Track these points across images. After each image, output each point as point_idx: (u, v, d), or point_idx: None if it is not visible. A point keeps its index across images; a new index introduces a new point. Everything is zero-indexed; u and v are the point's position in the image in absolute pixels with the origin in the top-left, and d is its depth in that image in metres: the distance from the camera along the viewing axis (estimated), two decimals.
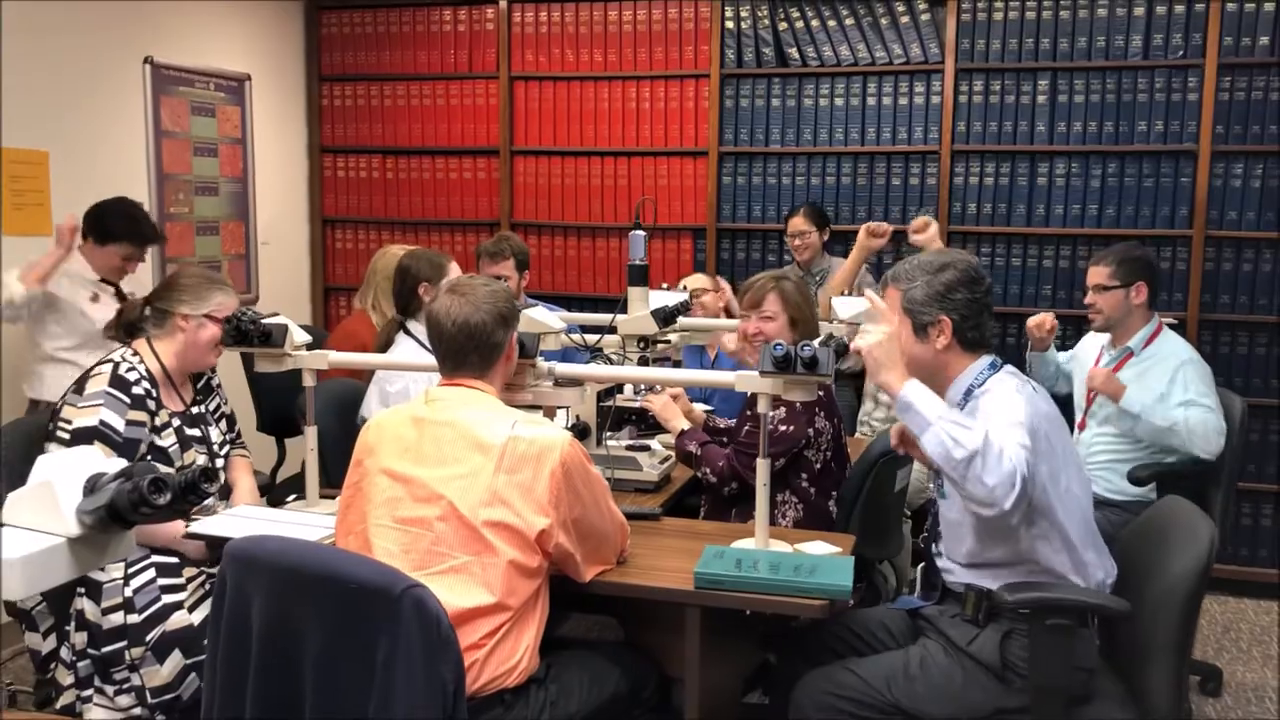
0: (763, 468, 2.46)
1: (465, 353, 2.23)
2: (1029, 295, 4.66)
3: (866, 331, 2.20)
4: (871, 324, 2.23)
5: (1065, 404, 3.76)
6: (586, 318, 4.04)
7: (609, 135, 5.10)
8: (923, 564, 2.56)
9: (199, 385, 2.88)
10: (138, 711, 2.49)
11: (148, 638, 2.53)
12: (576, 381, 2.59)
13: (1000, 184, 4.67)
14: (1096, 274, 3.46)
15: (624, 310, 3.13)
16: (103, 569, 2.55)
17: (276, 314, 2.84)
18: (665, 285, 3.76)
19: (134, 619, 2.54)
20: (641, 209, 3.15)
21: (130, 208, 3.66)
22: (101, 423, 2.56)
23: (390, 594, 1.79)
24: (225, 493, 2.89)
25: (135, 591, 2.56)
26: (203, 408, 2.85)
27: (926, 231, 4.04)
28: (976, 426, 2.07)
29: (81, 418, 2.57)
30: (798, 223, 4.52)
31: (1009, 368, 2.38)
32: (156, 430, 2.65)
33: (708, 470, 2.94)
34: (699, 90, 4.97)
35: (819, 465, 2.87)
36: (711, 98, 4.93)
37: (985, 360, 2.37)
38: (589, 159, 5.13)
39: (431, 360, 2.35)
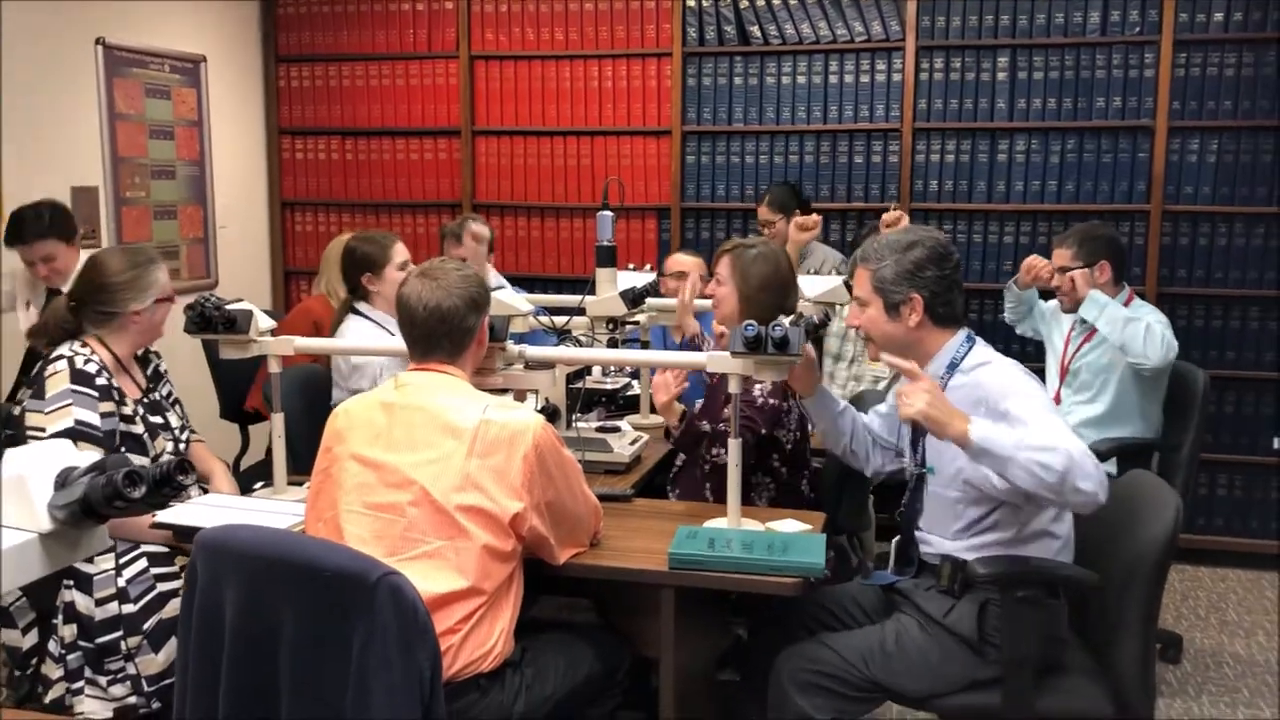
0: (734, 448, 2.47)
1: (436, 338, 2.21)
2: (990, 271, 4.70)
3: (908, 396, 2.15)
4: (908, 385, 2.18)
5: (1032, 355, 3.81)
6: (553, 299, 4.04)
7: (571, 115, 5.07)
8: (897, 539, 2.58)
9: (148, 372, 2.83)
10: (133, 700, 2.47)
11: (144, 626, 2.52)
12: (547, 364, 2.58)
13: (961, 161, 4.70)
14: (1059, 256, 3.51)
15: (592, 291, 3.12)
16: (91, 561, 2.52)
17: (240, 300, 2.81)
18: (632, 265, 3.74)
19: (129, 609, 2.52)
20: (608, 190, 3.12)
21: (22, 210, 3.58)
22: (78, 422, 2.51)
23: (365, 581, 1.78)
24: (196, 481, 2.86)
25: (129, 581, 2.54)
26: (158, 394, 2.81)
27: (898, 226, 4.01)
28: (1051, 441, 2.06)
29: (54, 422, 2.51)
30: (763, 212, 4.48)
31: (981, 342, 2.41)
32: (127, 419, 2.61)
33: (719, 458, 2.75)
34: (661, 69, 4.95)
35: (790, 445, 2.88)
36: (674, 76, 4.91)
37: (961, 335, 2.39)
38: (551, 139, 5.10)
39: (396, 344, 2.33)
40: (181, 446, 2.79)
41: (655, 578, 2.30)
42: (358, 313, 3.32)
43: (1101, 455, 3.32)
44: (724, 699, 2.90)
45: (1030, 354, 4.14)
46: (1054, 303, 3.74)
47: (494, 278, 3.80)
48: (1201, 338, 4.51)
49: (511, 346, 2.55)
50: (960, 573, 2.30)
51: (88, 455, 1.28)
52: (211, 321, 2.60)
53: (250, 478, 3.81)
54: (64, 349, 2.62)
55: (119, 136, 4.38)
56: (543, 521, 2.16)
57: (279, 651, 1.85)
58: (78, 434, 2.49)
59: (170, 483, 1.23)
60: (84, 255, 3.59)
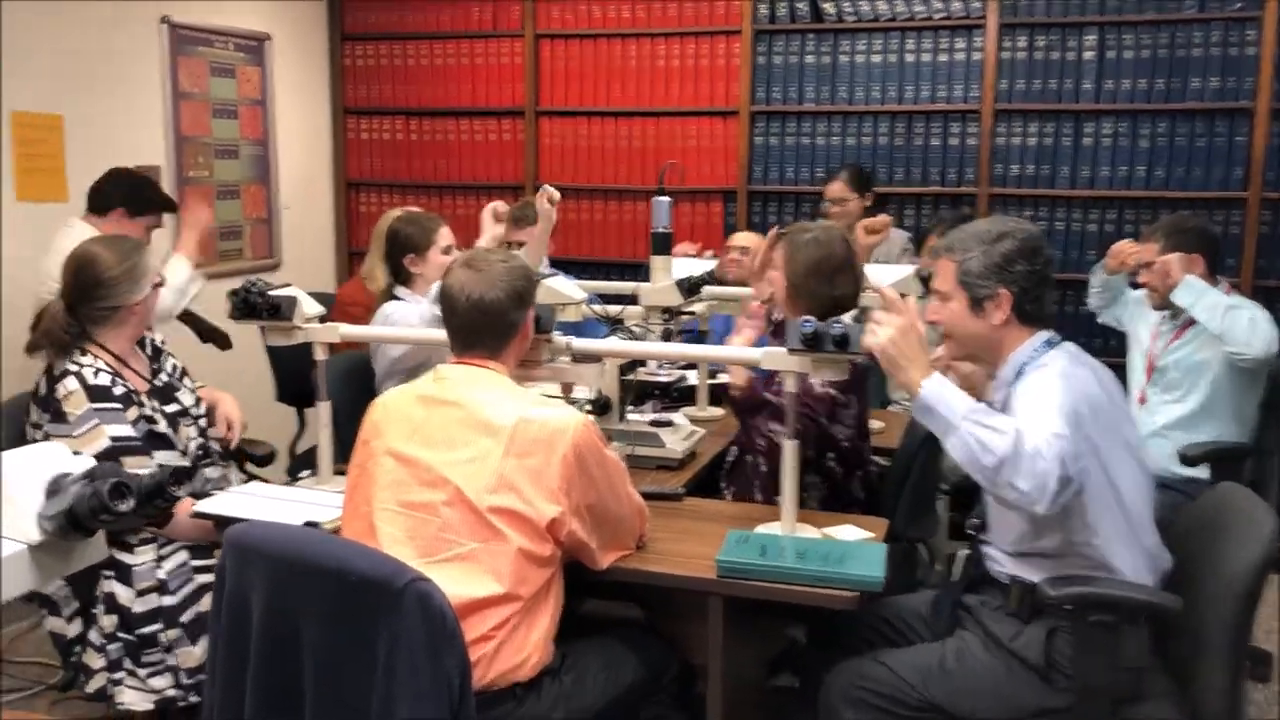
0: (790, 450, 2.34)
1: (478, 331, 2.12)
2: (1072, 260, 4.48)
3: (877, 326, 2.03)
4: (883, 316, 2.04)
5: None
6: (607, 286, 3.94)
7: (637, 94, 4.94)
8: (967, 550, 2.44)
9: (148, 353, 2.73)
10: (172, 693, 2.43)
11: (183, 619, 2.47)
12: (595, 357, 2.47)
13: (1044, 144, 4.48)
14: (1147, 251, 3.29)
15: (647, 279, 3.00)
16: (132, 551, 2.49)
17: (288, 284, 2.75)
18: (692, 251, 3.62)
19: (169, 600, 2.47)
20: (665, 174, 2.99)
21: (141, 175, 3.57)
22: (114, 439, 2.44)
23: (392, 587, 1.69)
24: (229, 454, 2.81)
25: (169, 574, 2.50)
26: (164, 376, 2.72)
27: (877, 235, 3.77)
28: (1005, 425, 1.92)
29: (89, 445, 2.41)
30: (837, 188, 4.32)
31: (1067, 346, 2.23)
32: (149, 419, 2.56)
33: (775, 435, 2.62)
34: (730, 47, 4.79)
35: (846, 443, 2.73)
36: (743, 55, 4.75)
37: (1041, 336, 2.21)
38: (616, 120, 4.98)
39: (440, 333, 2.25)
40: (203, 423, 2.73)
41: (703, 585, 2.19)
42: (396, 297, 3.23)
43: (1192, 460, 3.15)
44: (779, 706, 2.79)
45: (1113, 348, 3.93)
46: (1142, 293, 3.52)
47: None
48: None
49: (558, 338, 2.45)
50: (1030, 596, 2.15)
51: (81, 461, 1.21)
52: (255, 308, 2.54)
53: (304, 464, 3.78)
54: (66, 363, 2.50)
55: (182, 115, 4.37)
56: (583, 525, 2.06)
57: (304, 653, 1.77)
58: (119, 451, 2.43)
59: (162, 494, 1.15)
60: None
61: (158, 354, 2.75)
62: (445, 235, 3.27)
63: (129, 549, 2.50)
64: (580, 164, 5.06)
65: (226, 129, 4.63)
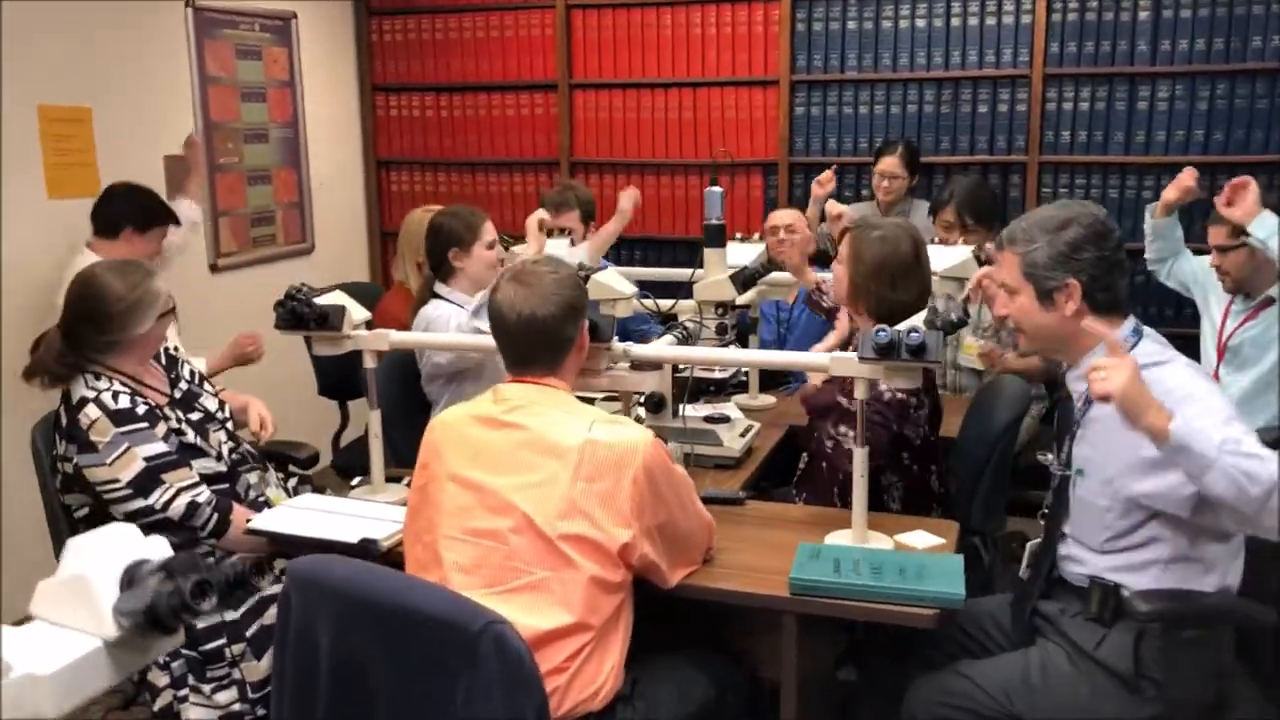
0: (860, 458, 2.26)
1: (533, 349, 2.05)
2: (1126, 229, 4.32)
3: (1102, 371, 1.87)
4: (1108, 361, 1.89)
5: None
6: (659, 274, 3.85)
7: (673, 65, 4.81)
8: (1035, 542, 2.35)
9: (162, 363, 2.65)
10: (238, 707, 2.39)
11: (247, 633, 2.42)
12: (655, 364, 2.39)
13: (1097, 109, 4.33)
14: (1217, 234, 3.16)
15: (701, 268, 2.91)
16: None
17: (334, 289, 2.68)
18: (739, 236, 3.51)
19: (231, 615, 2.42)
20: (716, 165, 2.89)
21: (142, 190, 3.47)
22: (148, 460, 2.37)
23: (468, 631, 1.64)
24: (262, 460, 2.76)
25: None
26: (183, 385, 2.64)
27: (839, 222, 3.54)
28: (1258, 449, 1.81)
29: (124, 471, 2.35)
30: (891, 164, 4.22)
31: (1151, 333, 2.13)
32: (178, 431, 2.49)
33: (844, 439, 2.56)
34: (768, 14, 4.65)
35: (919, 441, 2.64)
36: (782, 21, 4.61)
37: (1127, 326, 2.12)
38: (652, 91, 4.85)
39: (486, 339, 2.16)
40: (230, 427, 2.67)
41: (776, 604, 2.12)
42: (436, 295, 3.15)
43: (1267, 445, 3.02)
44: (841, 701, 2.73)
45: (1185, 316, 3.81)
46: (1208, 262, 3.38)
47: (579, 253, 3.57)
48: None
49: (617, 345, 2.37)
50: (1112, 599, 2.07)
51: (154, 542, 1.14)
52: (303, 319, 2.47)
53: (349, 456, 3.74)
54: (81, 389, 2.41)
55: (210, 101, 4.28)
56: (654, 547, 2.00)
57: (376, 695, 1.73)
58: (157, 469, 2.38)
59: (244, 585, 1.09)
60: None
61: (173, 363, 2.67)
62: (489, 229, 3.19)
63: None
64: (615, 138, 4.94)
65: (255, 113, 4.54)
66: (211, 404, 2.66)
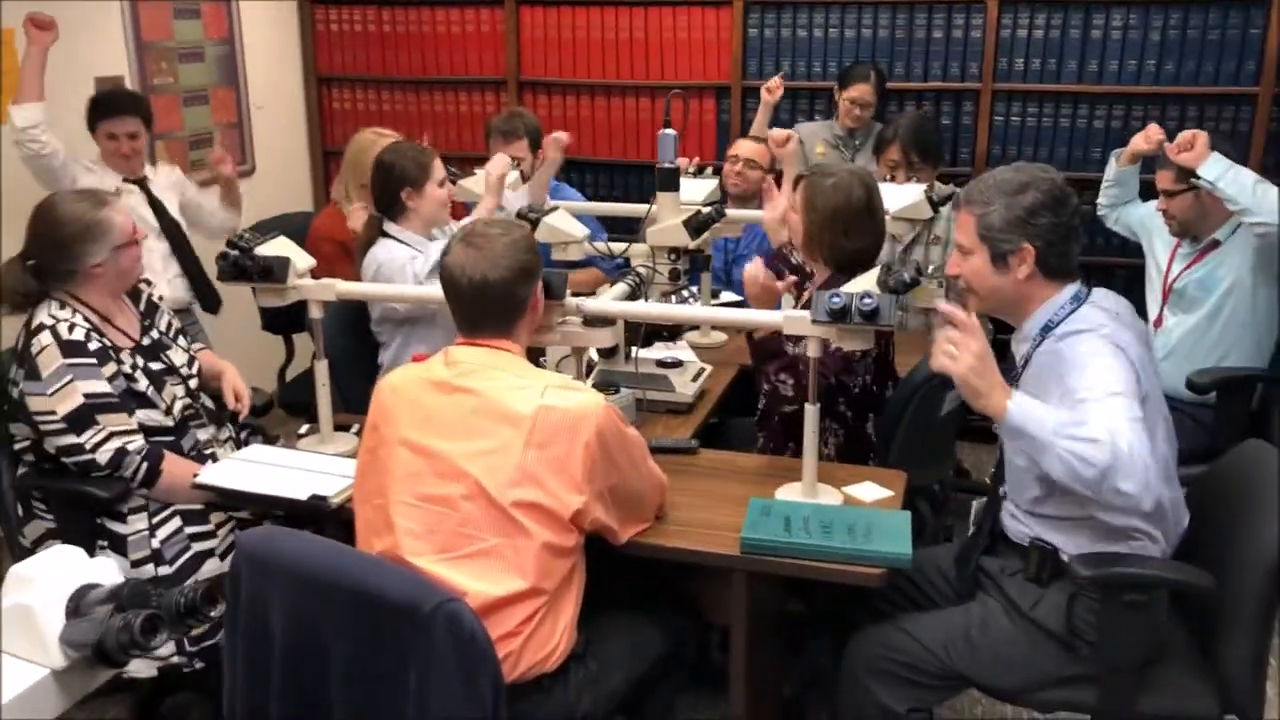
0: (811, 414, 2.28)
1: (484, 313, 2.02)
2: (1077, 158, 4.35)
3: (953, 349, 1.88)
4: (957, 337, 1.88)
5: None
6: (611, 209, 3.79)
7: None
8: (982, 499, 2.40)
9: (141, 308, 2.63)
10: (176, 660, 2.40)
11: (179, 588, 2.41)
12: (608, 320, 2.37)
13: (1051, 37, 4.28)
14: (1164, 177, 3.17)
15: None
16: (124, 521, 2.42)
17: (275, 234, 2.61)
18: (691, 170, 3.46)
19: (165, 570, 2.42)
20: (669, 107, 2.82)
21: (107, 88, 3.41)
22: (87, 396, 2.35)
23: (420, 611, 1.64)
24: (220, 418, 2.72)
25: (162, 543, 2.44)
26: (155, 333, 2.62)
27: (786, 147, 3.54)
28: (1097, 431, 1.83)
29: (62, 404, 2.34)
30: (864, 91, 4.16)
31: (1096, 298, 2.15)
32: (129, 377, 2.45)
33: (783, 388, 2.57)
34: None
35: (857, 389, 2.66)
36: None
37: (1068, 291, 2.14)
38: (602, 9, 4.71)
39: (438, 292, 2.12)
40: (192, 384, 2.63)
41: (726, 562, 2.15)
42: (386, 234, 3.08)
43: (1201, 388, 3.11)
44: (789, 630, 2.80)
45: (1125, 247, 3.83)
46: (1154, 206, 3.41)
47: (522, 196, 3.49)
48: None
49: (570, 300, 2.34)
50: (1050, 562, 2.13)
51: (100, 564, 1.11)
52: (246, 271, 2.41)
53: (296, 390, 3.69)
54: (43, 315, 2.41)
55: (142, 19, 4.09)
56: (605, 509, 2.01)
57: (330, 675, 1.74)
58: (93, 409, 2.35)
59: (195, 614, 1.07)
60: None
61: (152, 310, 2.64)
62: (439, 167, 3.10)
63: (121, 518, 2.43)
64: (565, 57, 4.82)
65: (190, 30, 4.34)
66: (179, 358, 2.62)
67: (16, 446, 2.48)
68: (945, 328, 1.90)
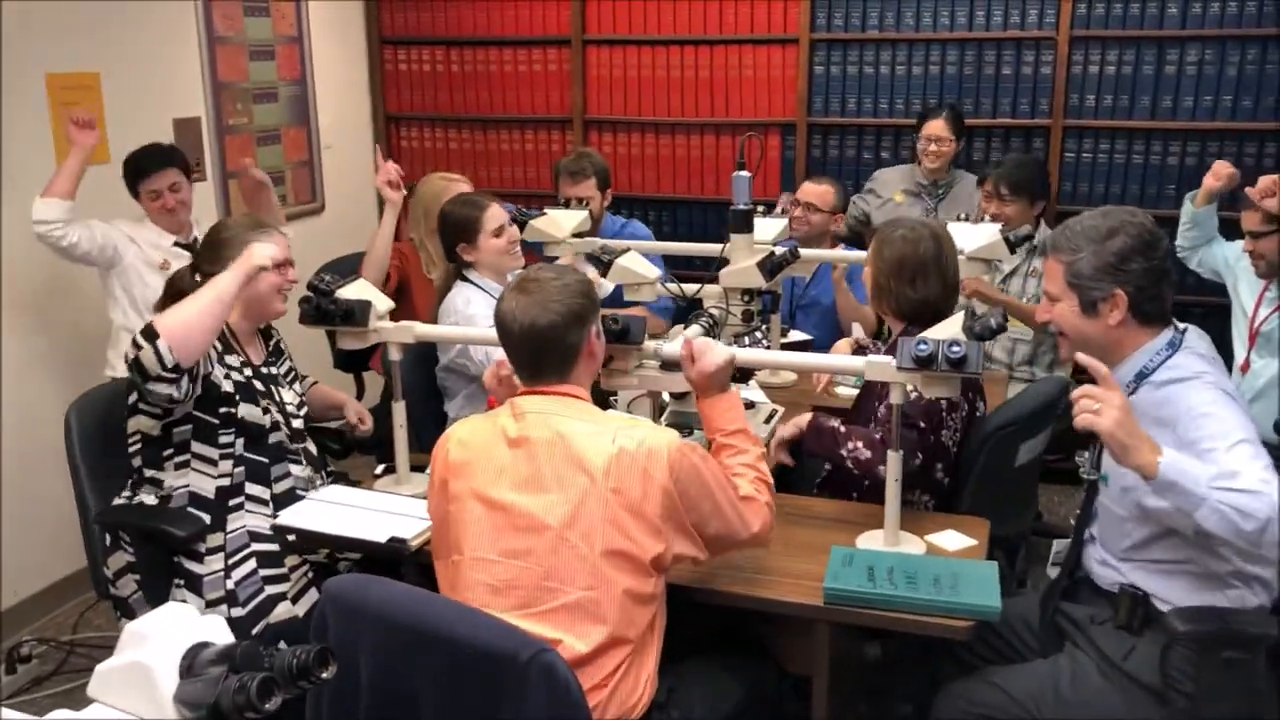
0: (894, 461, 2.25)
1: (539, 358, 2.00)
2: (1150, 195, 4.29)
3: (1097, 404, 1.83)
4: (1099, 393, 1.85)
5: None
6: (682, 248, 3.79)
7: (689, 21, 4.70)
8: (1064, 540, 2.35)
9: (270, 348, 2.72)
10: None
11: (253, 631, 2.44)
12: None
13: (1123, 72, 4.24)
14: (1250, 218, 3.11)
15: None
16: (201, 561, 2.45)
17: (355, 277, 2.64)
18: (761, 209, 3.45)
19: (238, 612, 2.44)
20: (745, 149, 2.82)
21: (147, 145, 3.47)
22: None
23: (516, 661, 1.63)
24: (319, 463, 2.76)
25: (237, 584, 2.46)
26: (275, 369, 2.70)
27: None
28: (1251, 483, 1.78)
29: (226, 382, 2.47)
30: (938, 128, 4.12)
31: (1189, 342, 2.10)
32: (239, 369, 2.55)
33: (857, 453, 2.44)
34: None
35: (954, 449, 2.59)
36: None
37: (1164, 338, 2.09)
38: (667, 48, 4.75)
39: None
40: (296, 424, 2.67)
41: (810, 612, 2.12)
42: (465, 279, 3.11)
43: None
44: (867, 678, 2.75)
45: (1206, 285, 3.76)
46: (1240, 248, 3.34)
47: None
48: None
49: (648, 344, 2.34)
50: (1141, 609, 2.07)
51: (211, 621, 1.12)
52: (329, 315, 2.44)
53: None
54: None
55: (219, 61, 4.18)
56: (688, 542, 1.96)
57: (421, 715, 1.73)
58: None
59: (308, 675, 1.07)
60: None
61: (278, 352, 2.74)
62: (494, 217, 3.12)
63: (198, 558, 2.45)
64: (630, 96, 4.85)
65: (264, 71, 4.44)
66: (289, 397, 2.68)
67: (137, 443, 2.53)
68: (1085, 385, 1.86)
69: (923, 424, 2.46)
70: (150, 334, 2.24)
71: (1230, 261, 3.44)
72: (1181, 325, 2.13)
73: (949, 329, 2.16)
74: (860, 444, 2.45)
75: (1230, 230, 3.48)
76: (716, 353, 2.20)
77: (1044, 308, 2.19)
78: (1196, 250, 3.59)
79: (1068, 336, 2.16)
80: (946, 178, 4.21)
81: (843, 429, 2.49)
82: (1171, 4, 4.13)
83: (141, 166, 3.45)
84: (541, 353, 2.00)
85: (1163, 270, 2.09)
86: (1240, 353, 3.28)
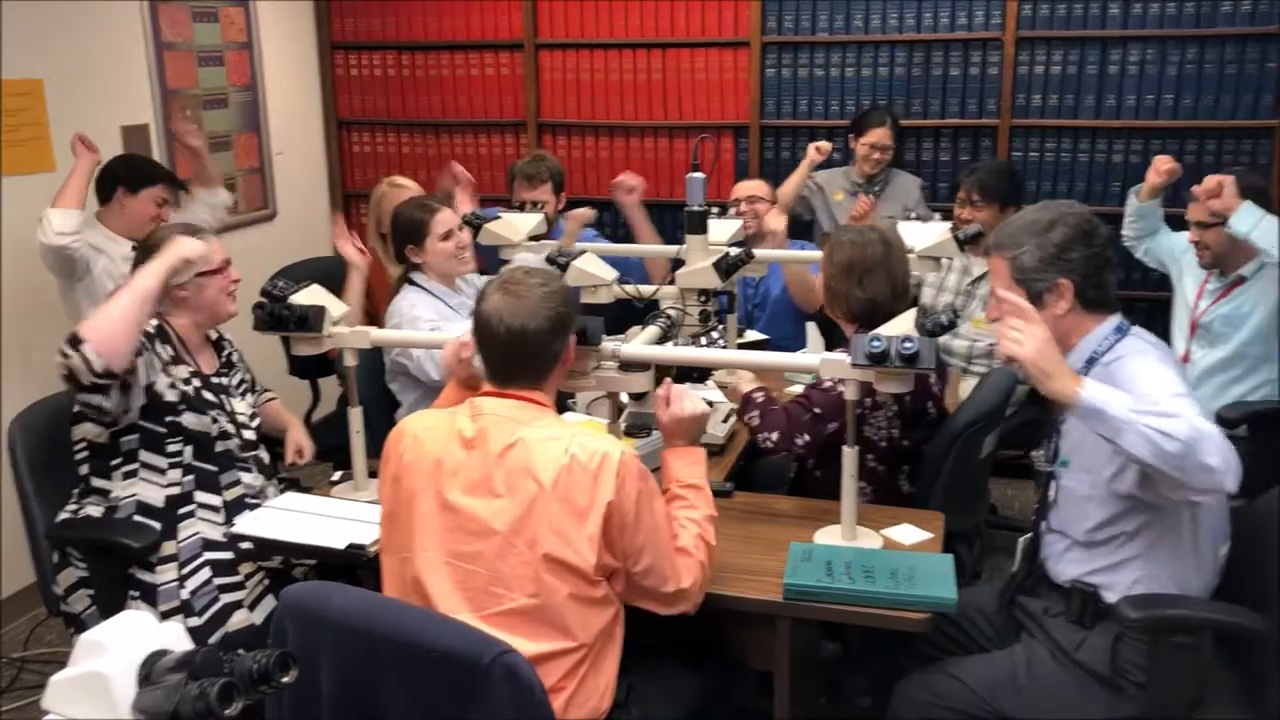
0: (850, 457, 2.27)
1: (518, 363, 1.98)
2: (1097, 192, 4.37)
3: (1016, 334, 1.89)
4: (1020, 324, 1.90)
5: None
6: (638, 250, 3.80)
7: (641, 24, 4.71)
8: (1027, 536, 2.39)
9: (221, 359, 2.70)
10: None
11: (209, 641, 2.41)
12: (643, 365, 2.37)
13: (1069, 73, 4.31)
14: (1197, 210, 3.18)
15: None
16: (154, 571, 2.42)
17: (309, 283, 2.62)
18: (715, 210, 3.47)
19: (195, 622, 2.41)
20: (699, 151, 2.84)
21: (138, 155, 3.44)
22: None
23: (478, 664, 1.63)
24: (272, 471, 2.74)
25: (192, 593, 2.43)
26: (227, 380, 2.67)
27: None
28: (1174, 407, 1.82)
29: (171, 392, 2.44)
30: (883, 135, 4.19)
31: (1137, 330, 2.15)
32: (187, 380, 2.53)
33: (754, 419, 2.62)
34: None
35: (884, 443, 2.66)
36: None
37: (1110, 323, 2.14)
38: (620, 52, 4.76)
39: (464, 326, 2.12)
40: (247, 435, 2.65)
41: (770, 608, 2.14)
42: (413, 283, 3.11)
43: (1231, 422, 3.09)
44: (826, 674, 2.78)
45: (1153, 280, 3.83)
46: (1186, 238, 3.40)
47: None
48: None
49: (606, 345, 2.34)
50: (1092, 603, 2.12)
51: (169, 629, 1.11)
52: (283, 320, 2.42)
53: (325, 434, 3.69)
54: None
55: (167, 67, 4.14)
56: (614, 560, 1.94)
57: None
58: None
59: (269, 680, 1.06)
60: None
61: (230, 364, 2.72)
62: (442, 221, 3.12)
63: (151, 568, 2.43)
64: (584, 98, 4.85)
65: (213, 77, 4.40)
66: (241, 407, 2.67)
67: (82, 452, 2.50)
68: (1005, 318, 1.91)
69: (818, 410, 2.54)
70: (75, 341, 2.20)
71: (1176, 253, 3.51)
72: (1128, 323, 2.18)
73: (902, 325, 2.19)
74: (757, 413, 2.62)
75: (1177, 224, 3.55)
76: (690, 401, 2.19)
77: (993, 305, 2.22)
78: (1143, 240, 3.66)
79: None
80: (882, 175, 4.27)
81: (759, 398, 2.64)
82: (1113, 5, 4.21)
83: (161, 172, 3.51)
84: (523, 357, 1.98)
85: (1104, 257, 2.14)
86: (1180, 344, 3.35)
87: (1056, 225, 2.13)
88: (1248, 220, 2.98)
